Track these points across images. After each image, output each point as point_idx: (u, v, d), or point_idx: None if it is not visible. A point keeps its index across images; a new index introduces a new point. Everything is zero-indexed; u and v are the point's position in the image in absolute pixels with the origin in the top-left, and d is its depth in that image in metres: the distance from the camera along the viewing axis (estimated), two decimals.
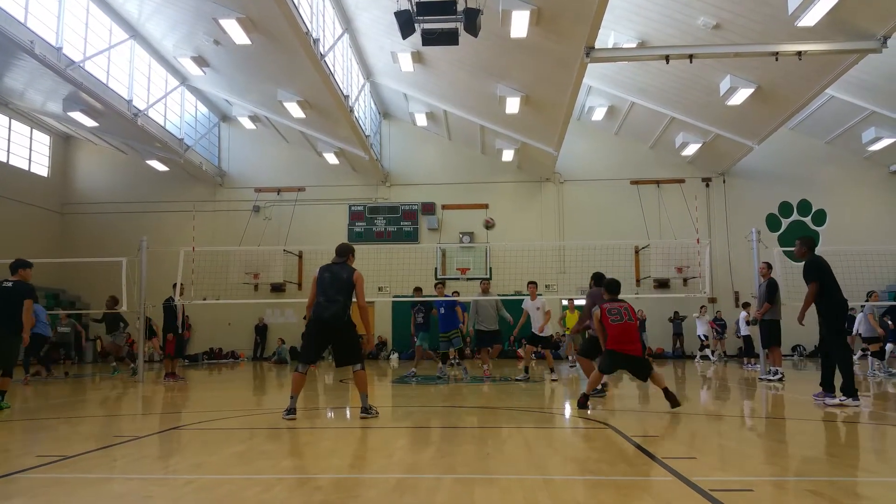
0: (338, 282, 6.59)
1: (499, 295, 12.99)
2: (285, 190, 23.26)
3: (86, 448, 5.03)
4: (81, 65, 15.93)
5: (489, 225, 10.24)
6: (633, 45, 15.84)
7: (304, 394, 9.02)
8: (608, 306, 7.28)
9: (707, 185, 22.77)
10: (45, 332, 12.43)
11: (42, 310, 12.49)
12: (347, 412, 7.58)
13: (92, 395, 10.55)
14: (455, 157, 23.58)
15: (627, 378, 11.19)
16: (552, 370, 12.24)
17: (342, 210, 23.33)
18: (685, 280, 20.66)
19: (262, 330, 22.76)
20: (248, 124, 22.30)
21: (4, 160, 21.27)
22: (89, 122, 18.73)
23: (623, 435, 5.35)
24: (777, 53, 13.23)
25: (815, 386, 7.93)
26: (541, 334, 11.63)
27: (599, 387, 8.18)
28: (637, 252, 21.59)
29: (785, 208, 22.09)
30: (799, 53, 13.08)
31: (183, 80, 20.69)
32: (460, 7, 11.54)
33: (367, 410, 6.51)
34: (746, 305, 16.30)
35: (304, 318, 8.16)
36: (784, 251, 13.16)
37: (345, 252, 6.85)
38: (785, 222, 21.98)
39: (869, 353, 13.15)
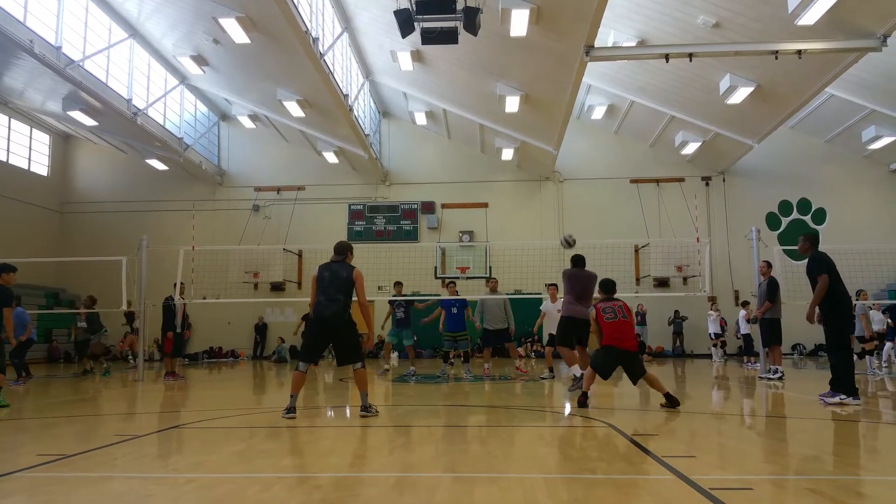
0: (337, 280, 6.59)
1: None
2: (285, 189, 23.23)
3: (86, 447, 5.03)
4: (81, 64, 15.93)
5: (569, 242, 9.88)
6: (633, 44, 15.86)
7: (303, 392, 9.02)
8: (603, 305, 7.37)
9: (707, 184, 22.75)
10: (30, 335, 12.46)
11: (25, 314, 12.24)
12: (347, 411, 7.57)
13: (92, 394, 10.55)
14: (454, 156, 23.58)
15: (627, 377, 11.16)
16: (551, 370, 12.25)
17: (342, 209, 23.33)
18: (685, 279, 20.65)
19: (261, 329, 22.76)
20: (247, 123, 22.30)
21: (4, 159, 21.28)
22: (89, 122, 18.73)
23: (622, 433, 5.36)
24: (777, 52, 13.22)
25: (815, 385, 7.92)
26: None
27: (548, 373, 9.16)
28: (637, 251, 21.61)
29: (785, 207, 22.07)
30: (799, 52, 13.07)
31: (182, 79, 20.69)
32: (460, 6, 11.53)
33: (367, 409, 6.52)
34: (746, 304, 16.31)
35: (303, 317, 8.15)
36: (784, 250, 13.14)
37: (343, 250, 6.85)
38: (785, 221, 21.97)
39: (865, 352, 13.15)
